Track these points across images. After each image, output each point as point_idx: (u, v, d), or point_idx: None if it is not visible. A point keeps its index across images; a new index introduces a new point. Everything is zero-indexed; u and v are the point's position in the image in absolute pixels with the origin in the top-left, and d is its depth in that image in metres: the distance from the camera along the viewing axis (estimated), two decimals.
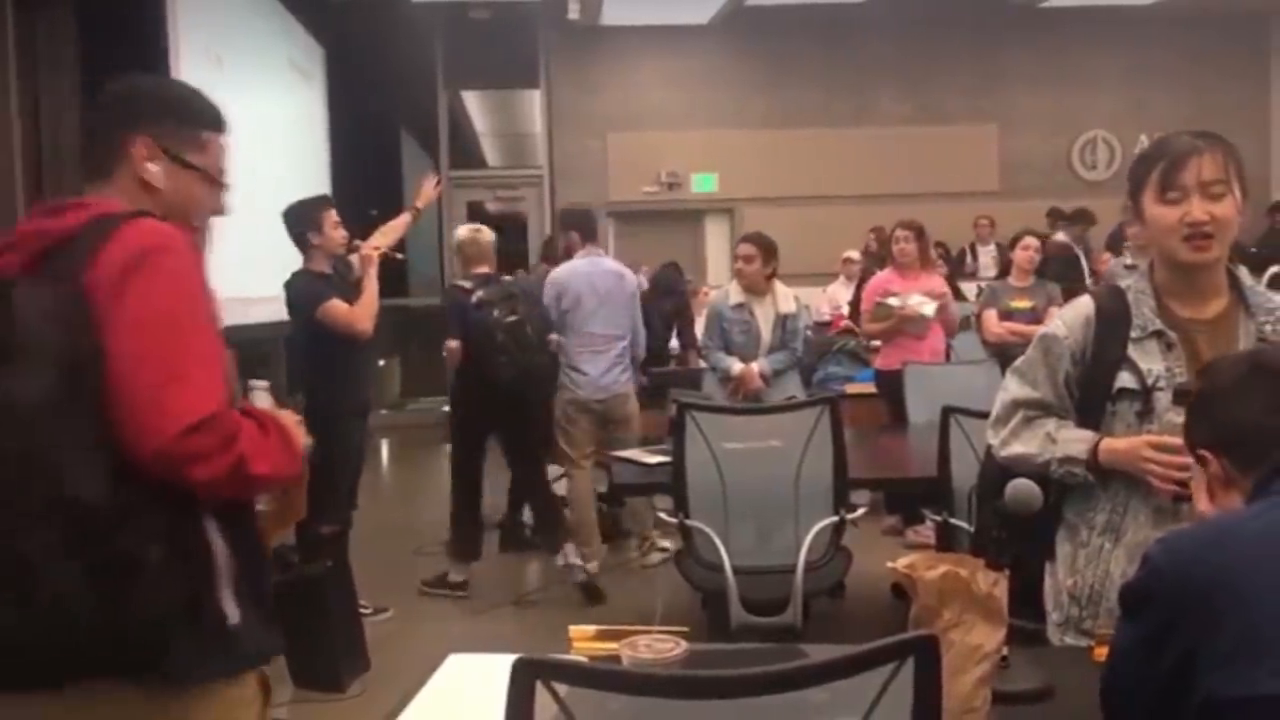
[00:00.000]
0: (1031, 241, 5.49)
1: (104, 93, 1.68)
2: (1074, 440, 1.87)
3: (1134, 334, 1.86)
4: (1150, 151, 1.88)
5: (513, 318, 4.54)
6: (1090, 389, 1.89)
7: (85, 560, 1.35)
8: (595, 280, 4.93)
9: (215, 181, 1.73)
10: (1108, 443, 1.84)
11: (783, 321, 4.84)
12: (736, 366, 4.79)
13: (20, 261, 1.49)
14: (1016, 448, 1.92)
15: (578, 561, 4.77)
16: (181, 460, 1.40)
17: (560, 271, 5.07)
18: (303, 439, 1.70)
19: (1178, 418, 1.75)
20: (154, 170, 1.62)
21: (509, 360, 4.50)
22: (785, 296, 4.88)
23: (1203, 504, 1.39)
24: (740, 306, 4.84)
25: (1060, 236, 8.24)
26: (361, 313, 4.21)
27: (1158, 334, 1.85)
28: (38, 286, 1.44)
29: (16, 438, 1.35)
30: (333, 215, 4.35)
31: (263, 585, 1.58)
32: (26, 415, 1.36)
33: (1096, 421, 1.88)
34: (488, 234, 4.95)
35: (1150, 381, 1.83)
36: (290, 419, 1.69)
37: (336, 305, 4.16)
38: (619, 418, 4.94)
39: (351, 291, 4.31)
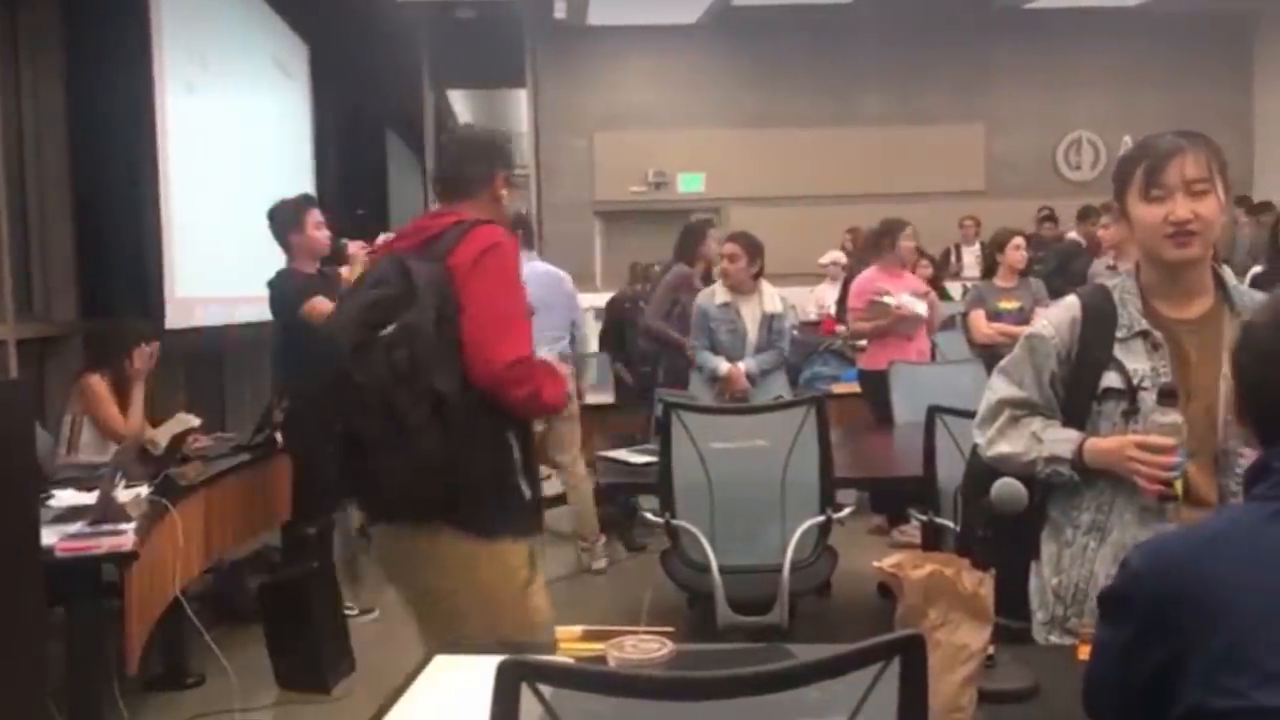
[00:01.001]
0: (1022, 241, 5.51)
1: (469, 139, 2.53)
2: (1060, 440, 1.87)
3: (1120, 334, 1.87)
4: (1134, 152, 1.89)
5: None
6: (1076, 388, 1.89)
7: (443, 431, 2.09)
8: (531, 283, 5.02)
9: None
10: (1093, 442, 1.84)
11: (769, 321, 4.84)
12: (723, 366, 4.79)
13: (410, 245, 2.30)
14: (1002, 447, 1.92)
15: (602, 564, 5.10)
16: (504, 383, 2.16)
17: None
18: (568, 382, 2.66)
19: (1163, 417, 1.76)
20: (505, 195, 2.45)
21: None
22: (771, 296, 4.88)
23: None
24: (726, 306, 4.84)
25: (1072, 235, 8.31)
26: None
27: (1143, 334, 1.86)
28: (422, 262, 2.20)
29: (414, 347, 2.10)
30: (315, 215, 4.32)
31: (537, 480, 2.38)
32: (421, 335, 2.11)
33: (1082, 421, 1.88)
34: None
35: (1136, 381, 1.84)
36: (563, 367, 2.60)
37: (320, 303, 4.14)
38: (563, 414, 4.97)
39: (335, 293, 4.28)
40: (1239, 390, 1.31)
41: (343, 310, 2.27)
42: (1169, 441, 1.75)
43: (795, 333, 6.63)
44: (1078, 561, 1.90)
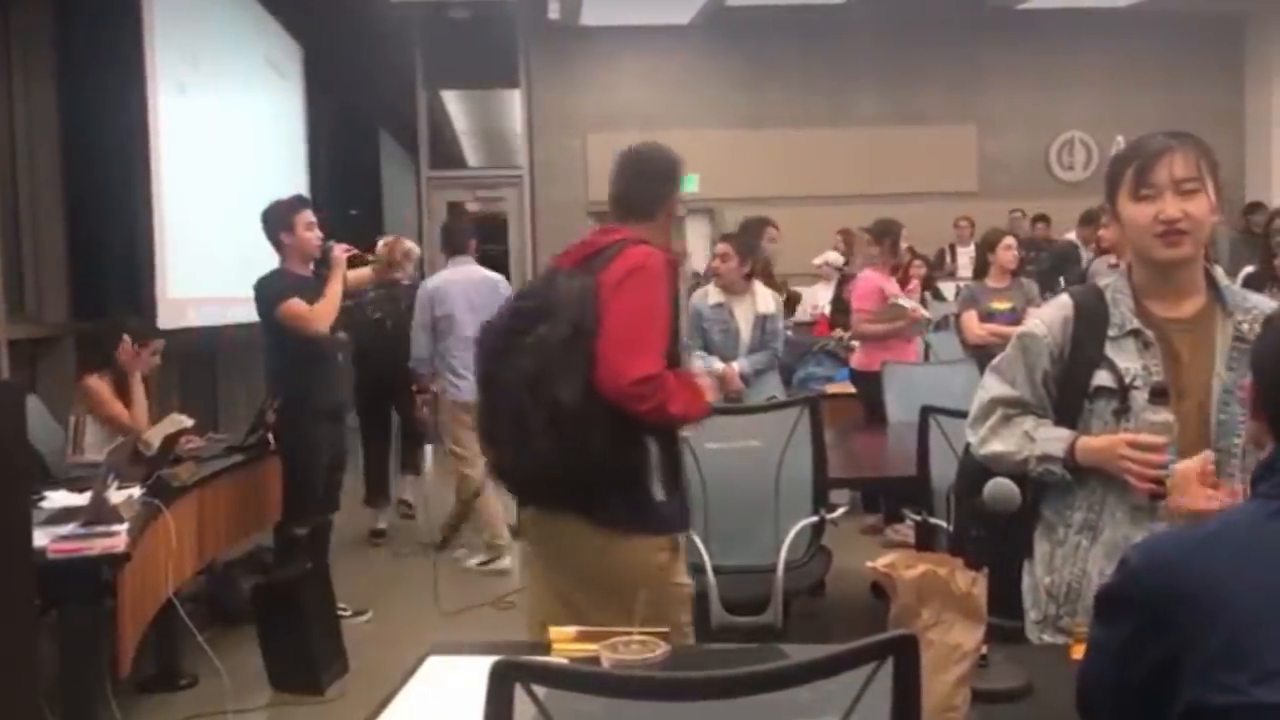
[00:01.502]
0: (1013, 241, 5.52)
1: (649, 159, 2.66)
2: (1052, 438, 1.87)
3: (1112, 333, 1.87)
4: (1125, 152, 1.90)
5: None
6: (1068, 387, 1.90)
7: (558, 436, 2.23)
8: (468, 288, 5.24)
9: None
10: (1085, 441, 1.85)
11: (762, 322, 4.85)
12: (717, 366, 4.79)
13: (571, 260, 2.43)
14: (995, 446, 1.93)
15: (472, 563, 5.24)
16: (629, 398, 2.24)
17: (432, 281, 5.43)
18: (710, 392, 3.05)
19: (1154, 416, 1.77)
20: (679, 215, 2.70)
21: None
22: (764, 296, 4.89)
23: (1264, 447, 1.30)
24: (719, 306, 4.85)
25: (1070, 235, 8.34)
26: (318, 312, 4.17)
27: (1135, 333, 1.86)
28: (573, 277, 2.35)
29: (542, 360, 2.26)
30: (306, 216, 4.31)
31: (680, 479, 2.46)
32: (549, 348, 2.26)
33: (1074, 420, 1.89)
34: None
35: (1127, 380, 1.84)
36: (704, 378, 2.85)
37: (294, 304, 4.13)
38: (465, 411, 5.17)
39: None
40: (1256, 385, 1.30)
41: (496, 316, 2.46)
42: (1160, 440, 1.75)
43: (790, 333, 6.65)
44: (1070, 560, 1.91)
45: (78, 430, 4.27)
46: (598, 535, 2.34)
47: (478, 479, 5.06)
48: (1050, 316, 1.94)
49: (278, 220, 4.28)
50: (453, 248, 5.47)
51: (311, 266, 4.34)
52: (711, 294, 4.91)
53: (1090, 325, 1.88)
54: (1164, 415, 1.76)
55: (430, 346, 5.25)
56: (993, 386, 1.96)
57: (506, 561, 5.20)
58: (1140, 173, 1.82)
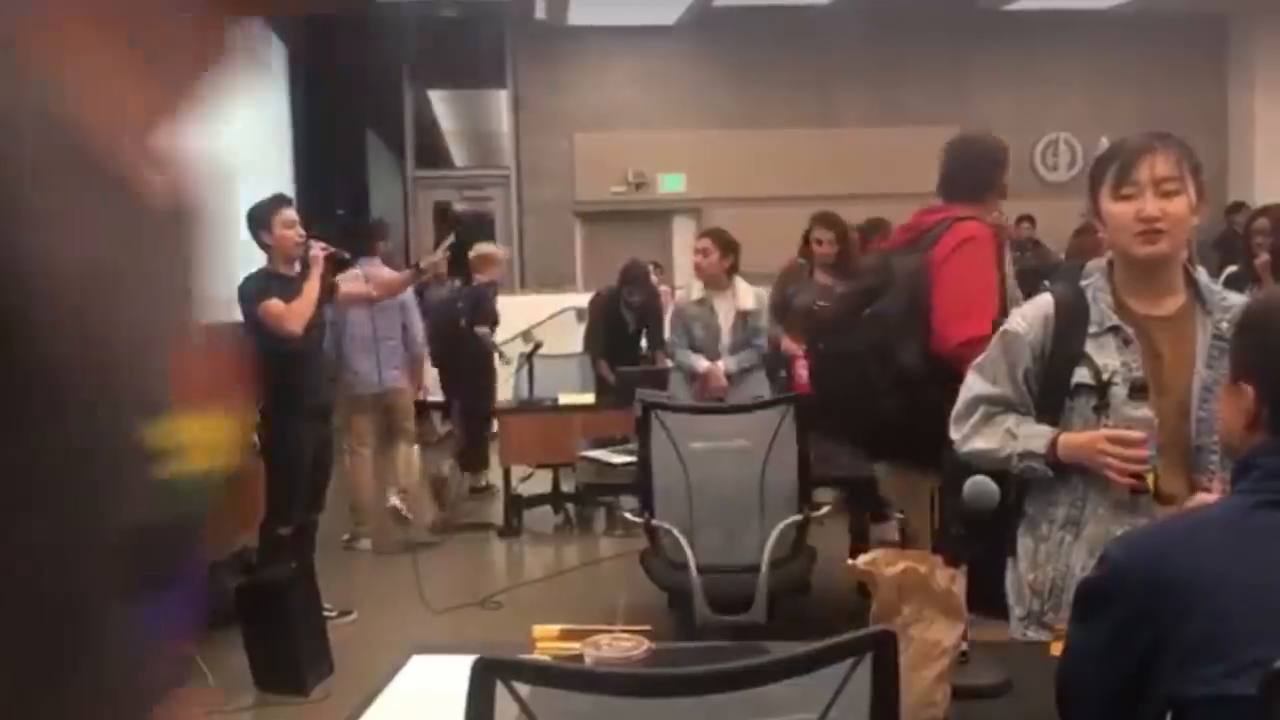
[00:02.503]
0: None
1: (984, 146, 3.01)
2: (1033, 435, 1.89)
3: (1092, 330, 1.89)
4: (1107, 152, 1.92)
5: None
6: (1049, 384, 1.92)
7: (902, 397, 2.63)
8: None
9: None
10: (1066, 437, 1.86)
11: (743, 319, 4.85)
12: (702, 364, 4.80)
13: (899, 242, 2.86)
14: (977, 443, 1.95)
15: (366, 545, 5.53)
16: (959, 358, 2.35)
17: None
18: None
19: (1134, 411, 1.78)
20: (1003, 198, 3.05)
21: None
22: (746, 293, 4.88)
23: (1235, 440, 1.31)
24: (701, 302, 4.85)
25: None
26: (292, 312, 4.16)
27: (1115, 329, 1.88)
28: (904, 255, 2.74)
29: (884, 328, 2.67)
30: (284, 215, 4.30)
31: None
32: (890, 318, 2.66)
33: (1056, 417, 1.91)
34: None
35: (1106, 376, 1.86)
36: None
37: (271, 304, 4.13)
38: (395, 411, 5.56)
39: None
40: (1258, 389, 1.29)
41: (830, 297, 2.87)
42: (1139, 435, 1.77)
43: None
44: (1053, 556, 1.92)
45: None
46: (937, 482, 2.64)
47: (364, 467, 5.49)
48: (1031, 315, 1.96)
49: (258, 220, 4.27)
50: (363, 250, 5.59)
51: (298, 266, 4.33)
52: (694, 290, 4.91)
53: (1071, 323, 1.90)
54: (1144, 411, 1.78)
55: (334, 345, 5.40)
56: (975, 385, 1.98)
57: (366, 544, 5.53)
58: (1122, 171, 1.84)
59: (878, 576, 1.50)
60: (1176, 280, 1.91)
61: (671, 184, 10.77)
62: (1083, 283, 1.97)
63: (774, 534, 3.28)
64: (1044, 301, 1.97)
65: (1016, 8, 9.95)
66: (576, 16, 9.85)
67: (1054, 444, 1.86)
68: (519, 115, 10.70)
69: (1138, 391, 1.80)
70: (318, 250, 4.34)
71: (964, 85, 10.83)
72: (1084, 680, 1.28)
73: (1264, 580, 1.13)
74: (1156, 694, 1.15)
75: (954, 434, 2.01)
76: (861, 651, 1.10)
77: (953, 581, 1.50)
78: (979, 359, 2.04)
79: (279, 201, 4.41)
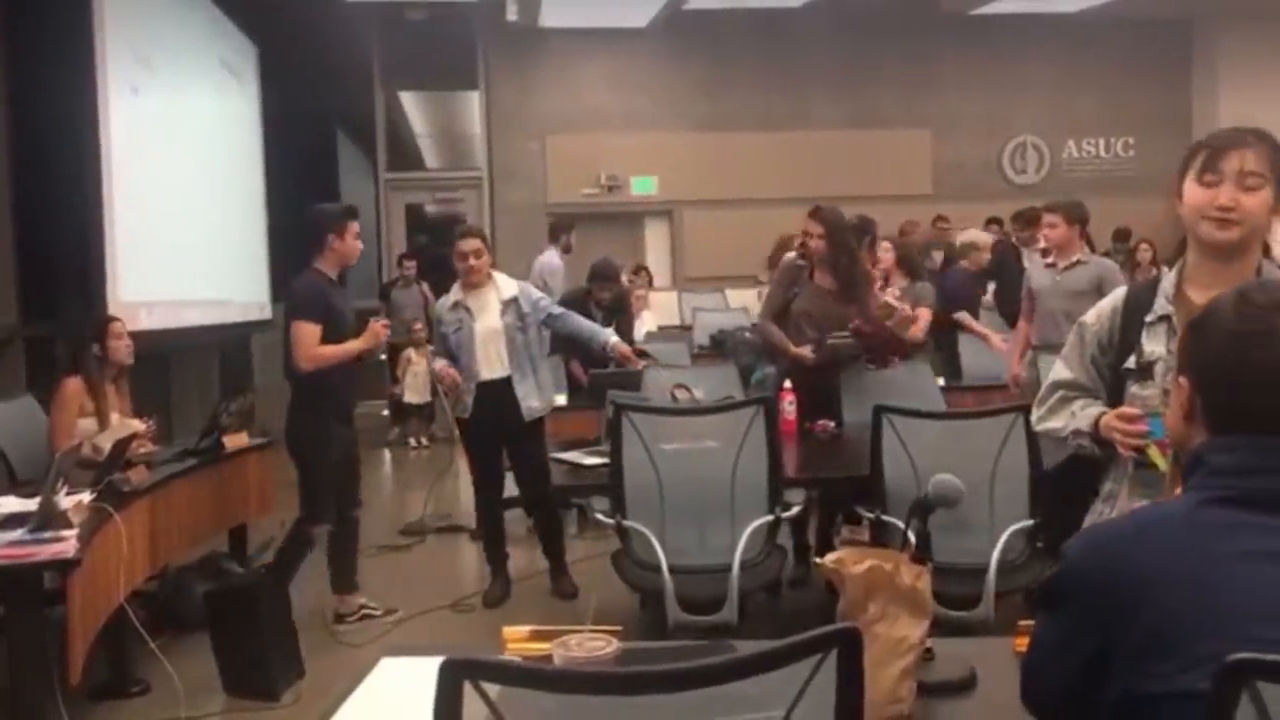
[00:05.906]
0: (890, 245, 5.71)
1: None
2: (1086, 415, 2.01)
3: (1149, 319, 1.98)
4: (1203, 139, 1.97)
5: None
6: (1115, 370, 2.05)
7: None
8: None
9: None
10: (1105, 417, 1.96)
11: (513, 305, 4.69)
12: (610, 338, 4.78)
13: None
14: (1049, 423, 2.10)
15: None
16: None
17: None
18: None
19: (1141, 390, 1.92)
20: None
21: None
22: (506, 283, 4.77)
23: (1177, 433, 1.36)
24: (456, 306, 4.71)
25: (973, 233, 8.43)
26: (317, 354, 4.22)
27: (1165, 318, 1.95)
28: None
29: None
30: (356, 227, 4.43)
31: None
32: None
33: (1119, 400, 2.01)
34: None
35: (1144, 361, 1.95)
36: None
37: (310, 329, 4.20)
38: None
39: (345, 303, 4.42)
40: (1193, 388, 1.32)
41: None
42: (1135, 412, 1.88)
43: (748, 334, 6.66)
44: None
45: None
46: None
47: None
48: (1103, 307, 2.11)
49: (332, 221, 4.35)
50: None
51: (338, 273, 4.41)
52: (452, 293, 4.78)
53: (1134, 313, 2.02)
54: (1149, 390, 1.89)
55: None
56: (1056, 370, 2.14)
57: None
58: (1210, 159, 1.89)
59: (844, 574, 1.52)
60: (1248, 274, 1.92)
61: (644, 186, 10.79)
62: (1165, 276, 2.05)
63: (745, 534, 3.29)
64: (1117, 295, 2.11)
65: (984, 12, 10.04)
66: (548, 19, 9.84)
67: (1097, 423, 1.97)
68: (491, 117, 10.69)
69: (1143, 372, 1.92)
70: (379, 327, 4.44)
71: (933, 89, 10.93)
72: (1045, 673, 1.30)
73: (1212, 576, 1.15)
74: (1111, 692, 1.17)
75: (1033, 415, 2.17)
76: (826, 648, 1.11)
77: (918, 578, 1.51)
78: (1064, 349, 2.17)
79: (354, 213, 4.50)
